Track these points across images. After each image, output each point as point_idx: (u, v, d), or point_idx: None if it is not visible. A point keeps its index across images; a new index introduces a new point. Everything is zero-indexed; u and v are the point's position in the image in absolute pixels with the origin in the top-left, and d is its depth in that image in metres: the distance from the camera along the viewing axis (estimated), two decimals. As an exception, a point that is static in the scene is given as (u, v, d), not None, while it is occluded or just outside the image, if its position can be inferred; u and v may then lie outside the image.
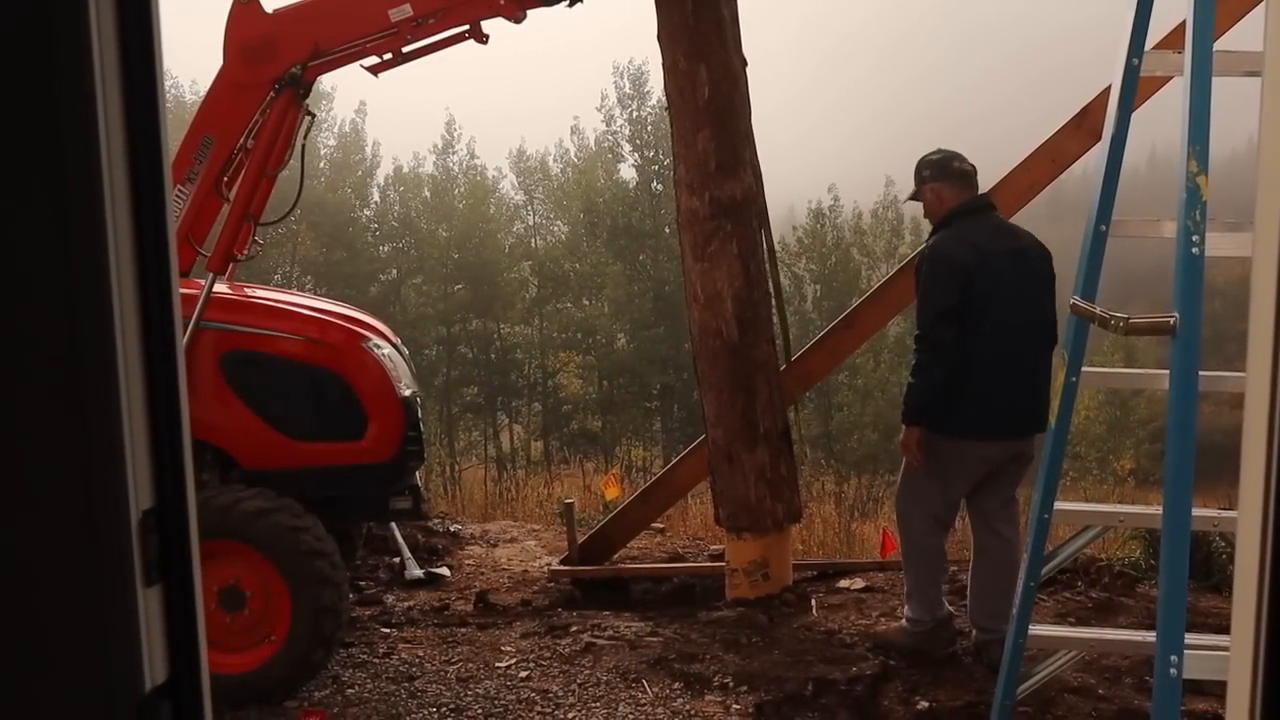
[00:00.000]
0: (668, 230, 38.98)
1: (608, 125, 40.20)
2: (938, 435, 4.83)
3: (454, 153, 41.69)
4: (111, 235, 1.15)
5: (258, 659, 4.74)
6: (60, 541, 1.15)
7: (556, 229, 43.83)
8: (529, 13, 5.37)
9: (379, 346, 5.15)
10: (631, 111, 39.55)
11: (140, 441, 1.19)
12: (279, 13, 5.20)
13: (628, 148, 40.17)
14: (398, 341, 5.61)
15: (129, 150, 1.18)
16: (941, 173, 5.03)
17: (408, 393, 5.17)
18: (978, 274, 4.71)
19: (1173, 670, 2.30)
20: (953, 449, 4.82)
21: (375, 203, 41.05)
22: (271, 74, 5.12)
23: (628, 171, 40.72)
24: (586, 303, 40.45)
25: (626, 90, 39.35)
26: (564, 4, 5.38)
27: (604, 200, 40.12)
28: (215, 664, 4.60)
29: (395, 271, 40.58)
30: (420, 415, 5.28)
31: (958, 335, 4.72)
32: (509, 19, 5.28)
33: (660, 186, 39.20)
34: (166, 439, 1.22)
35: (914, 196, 5.17)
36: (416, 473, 5.38)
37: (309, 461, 4.99)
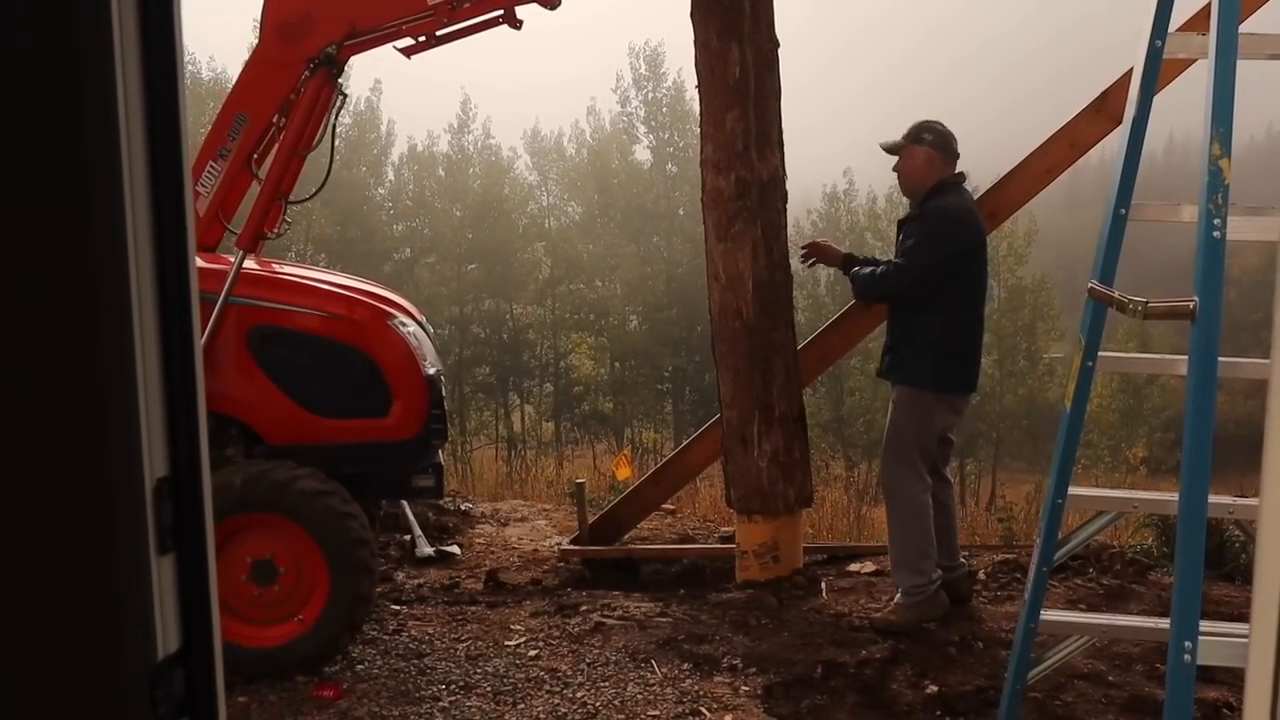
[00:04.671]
0: (682, 212, 38.99)
1: (623, 106, 40.18)
2: (927, 391, 5.22)
3: (469, 132, 41.70)
4: (129, 203, 1.14)
5: (282, 636, 4.76)
6: (74, 507, 1.14)
7: (570, 210, 43.85)
8: None
9: (404, 324, 5.15)
10: (647, 93, 39.50)
11: (155, 408, 1.19)
12: None
13: (643, 129, 40.12)
14: (422, 319, 5.60)
15: (147, 120, 1.17)
16: (943, 145, 5.27)
17: (432, 371, 5.17)
18: (976, 245, 5.24)
19: (1186, 656, 2.28)
20: (937, 402, 5.24)
21: (390, 181, 41.14)
22: (307, 53, 5.09)
23: (642, 153, 40.70)
24: (599, 284, 40.50)
25: (642, 71, 39.29)
26: None
27: (618, 182, 40.12)
28: (236, 634, 4.64)
29: (409, 250, 40.68)
30: (444, 393, 5.28)
31: (917, 286, 5.16)
32: (544, 5, 5.25)
33: (675, 168, 39.21)
34: (182, 407, 1.22)
35: (899, 149, 5.32)
36: (439, 451, 5.38)
37: (333, 438, 4.99)
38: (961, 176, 5.35)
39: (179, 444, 1.22)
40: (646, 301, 38.45)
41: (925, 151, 5.24)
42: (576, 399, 39.48)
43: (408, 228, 41.40)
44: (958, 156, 5.32)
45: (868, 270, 5.39)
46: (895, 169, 5.38)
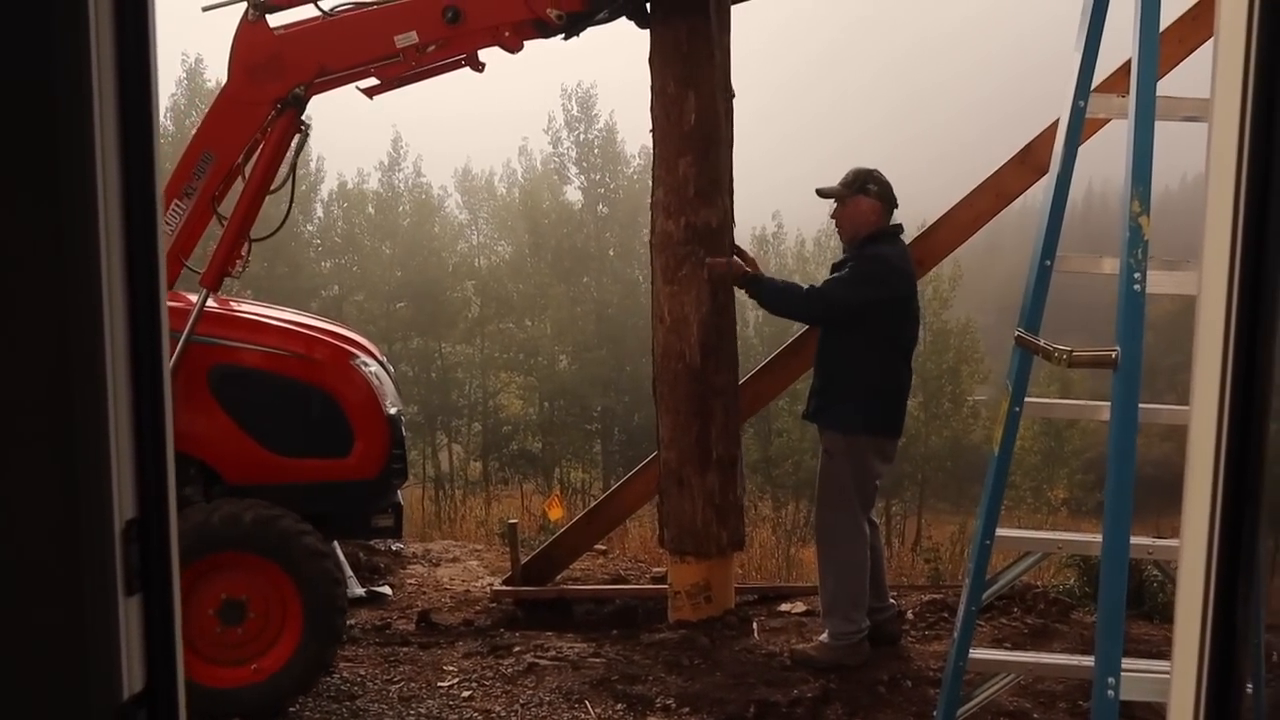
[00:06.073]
0: (612, 253, 39.15)
1: (554, 147, 40.31)
2: (858, 434, 5.23)
3: (400, 169, 41.57)
4: (104, 250, 1.17)
5: (232, 679, 4.68)
6: (46, 548, 1.16)
7: (501, 249, 43.83)
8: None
9: (366, 364, 5.13)
10: (579, 134, 39.68)
11: (125, 452, 1.22)
12: (285, 33, 5.14)
13: (574, 170, 40.27)
14: (384, 359, 5.58)
15: (122, 167, 1.20)
16: (887, 196, 5.36)
17: (393, 410, 5.16)
18: (909, 294, 5.32)
19: (1110, 692, 2.37)
20: (870, 447, 5.26)
21: (318, 218, 40.75)
22: (275, 93, 5.07)
23: (573, 194, 40.85)
24: (529, 323, 40.43)
25: (574, 112, 39.49)
26: (559, 37, 5.41)
27: (549, 222, 40.19)
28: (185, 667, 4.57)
29: (337, 288, 40.31)
30: (404, 433, 5.27)
31: (837, 322, 5.29)
32: (508, 49, 5.30)
33: (605, 210, 39.37)
34: (150, 450, 1.24)
35: (840, 198, 5.38)
36: (398, 490, 5.37)
37: (294, 477, 4.94)
38: (899, 228, 5.45)
39: (147, 487, 1.25)
40: (576, 341, 38.47)
41: (871, 203, 5.30)
42: (505, 438, 39.26)
43: (336, 265, 41.06)
44: (896, 206, 5.42)
45: (782, 283, 5.51)
46: (834, 216, 5.44)
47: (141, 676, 1.25)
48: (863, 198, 5.31)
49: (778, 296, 5.41)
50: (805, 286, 5.40)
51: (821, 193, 5.48)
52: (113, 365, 1.19)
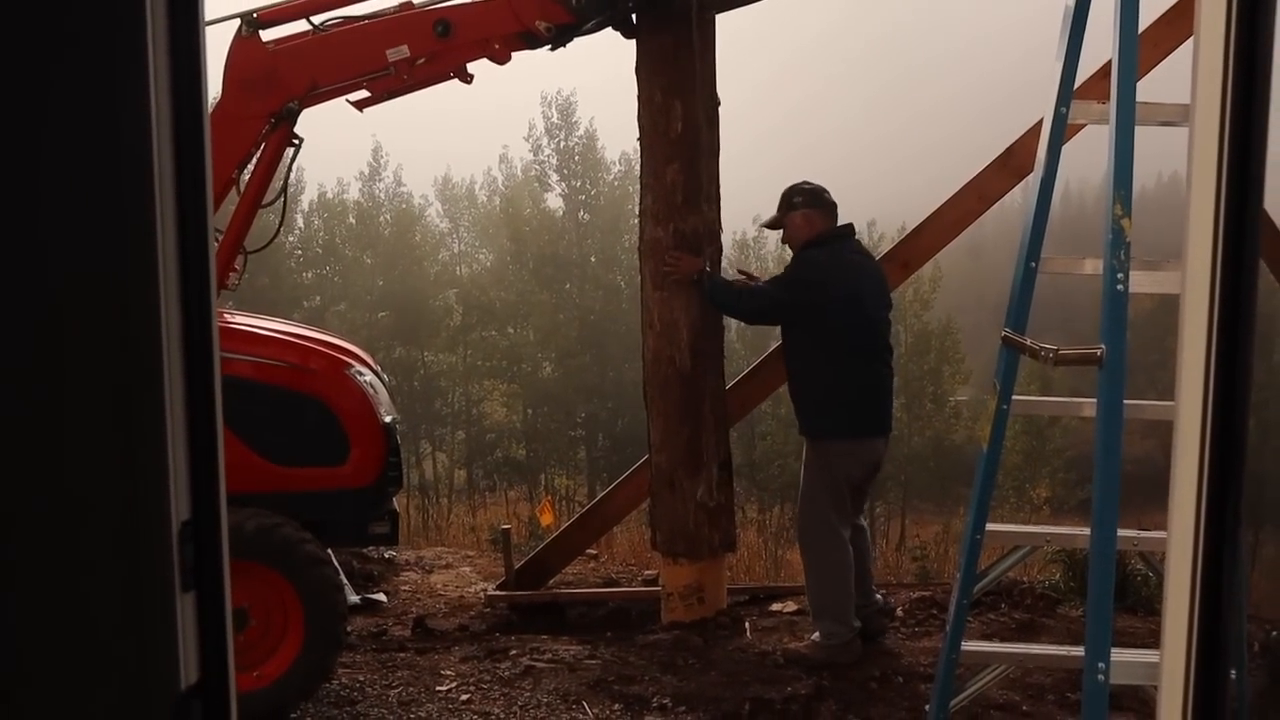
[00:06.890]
0: (594, 260, 39.18)
1: (535, 154, 40.31)
2: (826, 440, 5.36)
3: (380, 179, 41.55)
4: (161, 263, 1.25)
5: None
6: (111, 548, 1.24)
7: (482, 257, 43.83)
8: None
9: (361, 373, 5.19)
10: (559, 141, 39.70)
11: (180, 460, 1.29)
12: (279, 48, 5.21)
13: (555, 177, 40.29)
14: (378, 368, 5.64)
15: (177, 189, 1.28)
16: (816, 201, 5.51)
17: (388, 419, 5.22)
18: (848, 295, 5.31)
19: (1100, 676, 2.46)
20: (840, 452, 5.33)
21: (299, 228, 40.67)
22: (269, 107, 5.13)
23: (554, 201, 40.86)
24: (512, 331, 40.42)
25: (554, 120, 39.50)
26: (546, 48, 5.49)
27: (530, 229, 40.20)
28: None
29: (319, 298, 40.22)
30: (399, 441, 5.33)
31: (769, 320, 5.81)
32: (496, 61, 5.38)
33: (587, 216, 39.40)
34: (203, 457, 1.32)
35: (779, 223, 5.60)
36: (394, 498, 5.43)
37: (290, 486, 4.99)
38: (846, 229, 5.56)
39: (200, 491, 1.33)
40: (559, 348, 38.47)
41: (801, 214, 5.48)
42: (489, 446, 39.23)
43: (317, 275, 40.99)
44: (834, 205, 5.54)
45: (727, 281, 5.83)
46: (784, 241, 5.66)
47: (196, 669, 1.33)
48: (794, 214, 5.51)
49: (719, 291, 5.71)
50: (745, 288, 5.71)
51: (766, 225, 5.72)
52: (170, 381, 1.27)
